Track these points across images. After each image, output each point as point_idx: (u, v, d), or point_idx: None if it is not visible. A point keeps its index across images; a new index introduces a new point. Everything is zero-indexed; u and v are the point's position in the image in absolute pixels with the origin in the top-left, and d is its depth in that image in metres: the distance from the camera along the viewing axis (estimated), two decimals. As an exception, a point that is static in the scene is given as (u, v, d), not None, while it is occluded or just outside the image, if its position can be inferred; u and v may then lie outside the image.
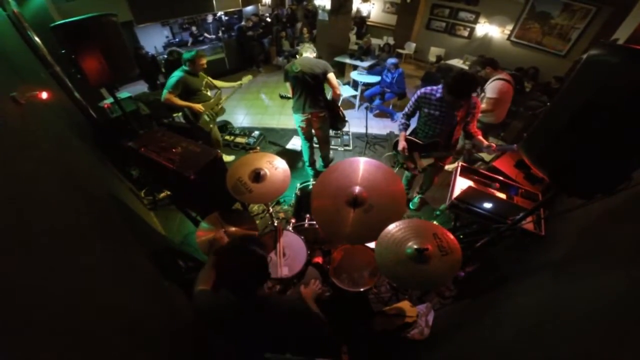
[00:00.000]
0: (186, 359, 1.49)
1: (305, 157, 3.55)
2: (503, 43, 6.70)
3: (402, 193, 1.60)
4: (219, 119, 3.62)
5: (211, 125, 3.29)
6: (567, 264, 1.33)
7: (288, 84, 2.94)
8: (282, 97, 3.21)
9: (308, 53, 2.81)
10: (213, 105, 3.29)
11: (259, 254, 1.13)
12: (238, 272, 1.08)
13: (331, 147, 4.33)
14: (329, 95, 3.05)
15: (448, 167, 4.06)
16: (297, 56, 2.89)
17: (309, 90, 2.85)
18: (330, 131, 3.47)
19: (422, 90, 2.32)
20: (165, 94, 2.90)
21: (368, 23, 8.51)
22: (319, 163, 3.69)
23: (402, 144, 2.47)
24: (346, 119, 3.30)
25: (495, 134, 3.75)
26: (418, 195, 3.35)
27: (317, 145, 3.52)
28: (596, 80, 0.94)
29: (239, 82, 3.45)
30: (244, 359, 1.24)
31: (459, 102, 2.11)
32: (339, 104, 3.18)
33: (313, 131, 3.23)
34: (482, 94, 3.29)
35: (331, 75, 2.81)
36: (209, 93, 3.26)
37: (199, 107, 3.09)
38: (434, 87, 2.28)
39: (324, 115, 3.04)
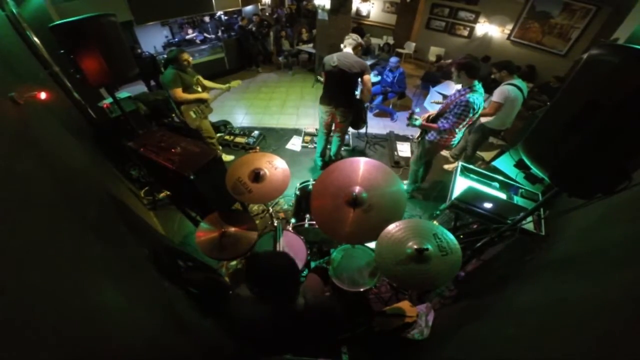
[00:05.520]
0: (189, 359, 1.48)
1: (319, 147, 3.61)
2: (503, 42, 6.70)
3: (401, 193, 1.60)
4: (215, 119, 3.62)
5: (197, 123, 3.30)
6: (568, 264, 1.33)
7: (323, 74, 2.96)
8: (317, 80, 3.45)
9: (349, 48, 2.75)
10: (212, 100, 3.36)
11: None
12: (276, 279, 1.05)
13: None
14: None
15: (447, 167, 4.07)
16: (341, 47, 2.83)
17: (340, 87, 2.87)
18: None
19: None
20: (173, 92, 2.94)
21: (367, 22, 8.51)
22: (333, 150, 3.67)
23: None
24: (367, 122, 3.38)
25: (495, 134, 3.74)
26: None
27: (337, 136, 3.49)
28: (596, 80, 0.94)
29: (227, 85, 3.44)
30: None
31: None
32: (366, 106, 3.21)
33: (333, 125, 3.28)
34: (488, 97, 3.22)
35: (367, 78, 2.77)
36: (199, 89, 3.29)
37: (206, 95, 3.17)
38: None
39: (348, 112, 3.07)
